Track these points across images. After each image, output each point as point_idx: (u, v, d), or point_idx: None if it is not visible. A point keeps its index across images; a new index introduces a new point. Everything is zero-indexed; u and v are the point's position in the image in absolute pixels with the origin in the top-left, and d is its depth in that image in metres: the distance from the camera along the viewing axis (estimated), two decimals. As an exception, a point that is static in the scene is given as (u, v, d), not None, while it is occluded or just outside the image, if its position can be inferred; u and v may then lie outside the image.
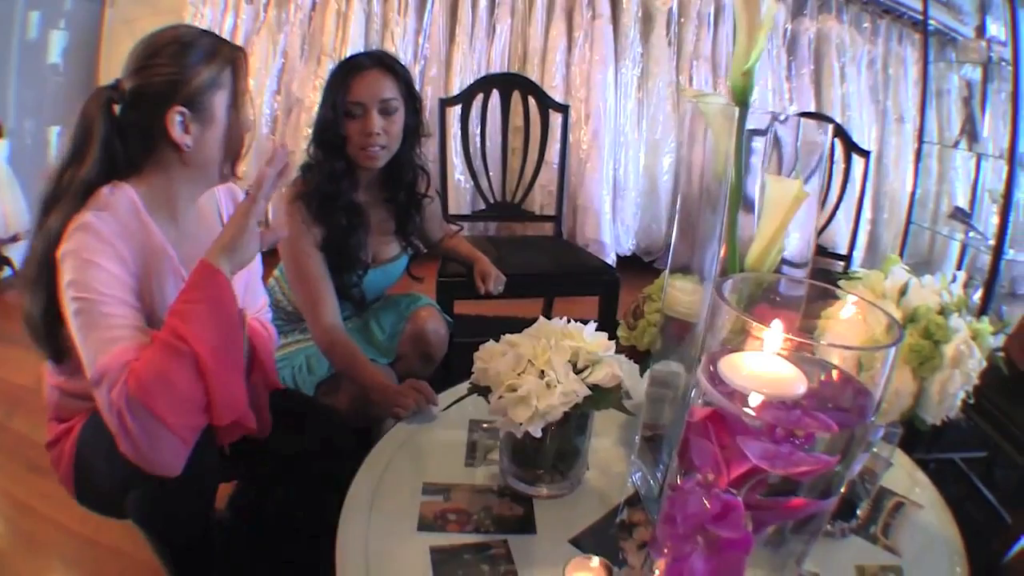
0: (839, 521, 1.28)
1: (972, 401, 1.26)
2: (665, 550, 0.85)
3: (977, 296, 3.20)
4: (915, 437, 1.62)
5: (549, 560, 1.16)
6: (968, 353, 1.14)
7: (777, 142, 1.11)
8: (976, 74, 3.95)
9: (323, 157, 1.98)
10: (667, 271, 1.30)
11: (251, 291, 1.68)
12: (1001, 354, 1.65)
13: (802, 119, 1.11)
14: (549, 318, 1.34)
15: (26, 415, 2.55)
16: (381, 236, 2.16)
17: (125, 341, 1.21)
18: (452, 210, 3.59)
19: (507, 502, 1.32)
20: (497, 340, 1.35)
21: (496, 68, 4.36)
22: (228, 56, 1.39)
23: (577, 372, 1.23)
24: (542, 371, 1.21)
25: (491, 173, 3.24)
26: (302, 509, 1.75)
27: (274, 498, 1.78)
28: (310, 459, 1.63)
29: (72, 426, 1.48)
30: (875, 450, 1.28)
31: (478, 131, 3.24)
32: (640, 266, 4.64)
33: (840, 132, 3.33)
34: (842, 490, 0.86)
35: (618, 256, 4.53)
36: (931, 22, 4.13)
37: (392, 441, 1.52)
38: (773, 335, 0.80)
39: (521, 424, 1.18)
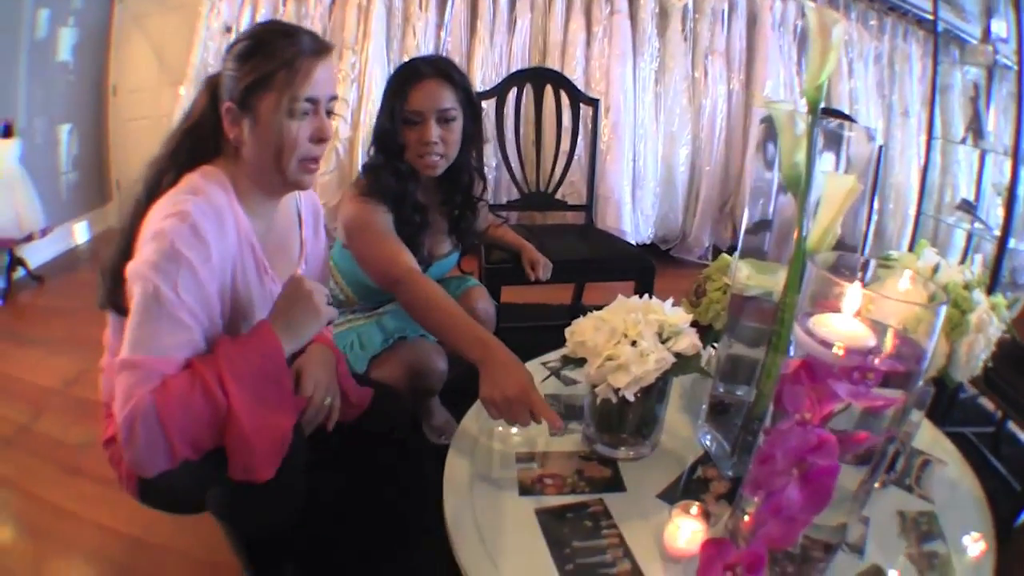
0: (884, 474, 1.45)
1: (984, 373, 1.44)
2: (760, 488, 1.02)
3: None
4: (931, 411, 1.80)
5: (642, 514, 1.33)
6: (988, 321, 1.34)
7: (833, 143, 1.30)
8: (980, 74, 4.12)
9: (385, 160, 1.98)
10: (737, 255, 1.45)
11: (322, 283, 1.66)
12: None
13: (853, 126, 1.29)
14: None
15: (54, 417, 2.52)
16: (436, 235, 2.19)
17: (174, 353, 1.21)
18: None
19: (595, 465, 1.47)
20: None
21: (517, 63, 4.46)
22: (288, 58, 1.30)
23: (662, 342, 1.39)
24: (633, 341, 1.36)
25: (523, 164, 3.38)
26: (361, 490, 1.84)
27: (334, 482, 1.76)
28: (369, 436, 1.66)
29: None
30: (909, 417, 1.46)
31: (511, 124, 3.34)
32: (657, 254, 4.78)
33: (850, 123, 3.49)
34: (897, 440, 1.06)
35: (637, 244, 4.61)
36: (946, 25, 4.28)
37: (474, 419, 1.62)
38: (852, 297, 1.00)
39: (620, 389, 1.34)
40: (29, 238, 3.65)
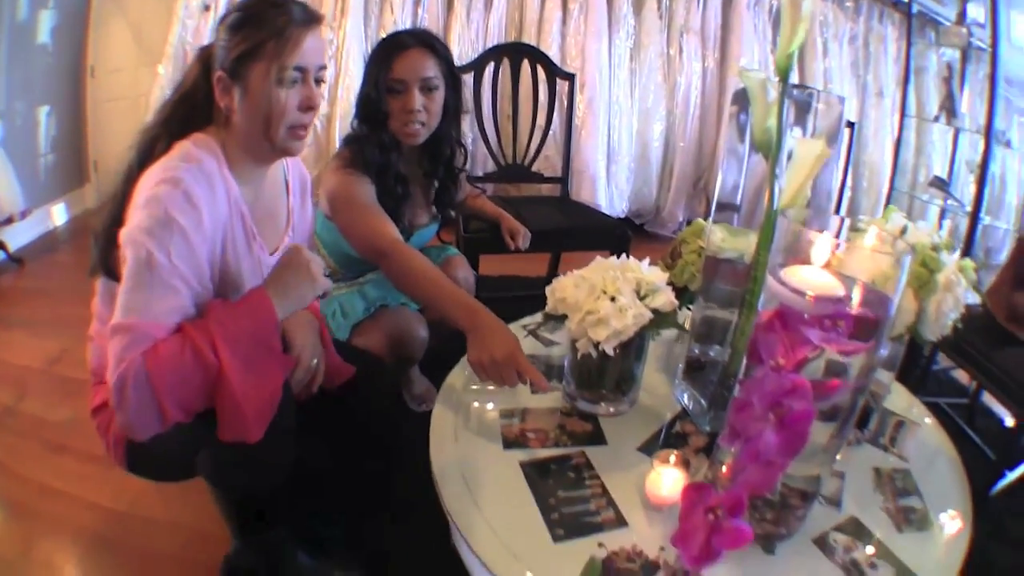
0: (856, 429, 1.51)
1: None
2: (738, 436, 1.06)
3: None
4: (905, 380, 1.86)
5: (623, 465, 1.38)
6: (956, 281, 1.39)
7: (802, 110, 1.35)
8: (955, 55, 4.18)
9: (369, 131, 2.01)
10: (711, 219, 1.50)
11: None
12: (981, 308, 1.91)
13: (821, 92, 1.35)
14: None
15: (37, 396, 2.52)
16: (416, 206, 2.22)
17: (165, 318, 1.21)
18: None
19: (576, 420, 1.52)
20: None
21: (493, 39, 4.47)
22: (278, 28, 1.31)
23: (640, 299, 1.43)
24: (612, 298, 1.40)
25: (500, 137, 3.43)
26: (346, 457, 1.88)
27: (319, 449, 1.75)
28: (352, 402, 1.67)
29: None
30: (878, 376, 1.52)
31: (488, 98, 3.38)
32: (632, 228, 4.76)
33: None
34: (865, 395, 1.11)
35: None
36: (920, 6, 4.35)
37: (459, 376, 1.67)
38: (822, 247, 1.05)
39: (600, 343, 1.38)
40: (9, 220, 3.65)
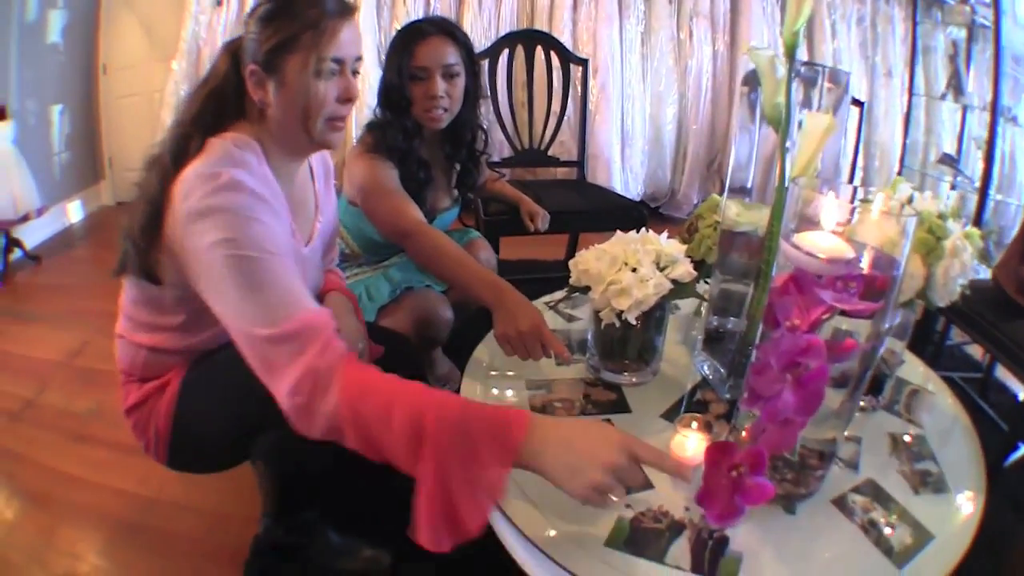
0: (871, 396, 1.56)
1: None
2: (757, 398, 1.10)
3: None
4: (919, 354, 1.90)
5: (647, 432, 1.42)
6: (963, 248, 1.43)
7: (810, 85, 1.40)
8: (961, 34, 4.20)
9: (392, 117, 2.07)
10: (725, 195, 1.55)
11: (332, 243, 1.77)
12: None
13: (827, 68, 1.40)
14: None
15: (59, 388, 2.55)
16: (439, 190, 2.28)
17: (307, 299, 1.18)
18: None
19: (601, 390, 1.57)
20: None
21: (506, 27, 4.52)
22: (313, 20, 1.30)
23: (660, 269, 1.48)
24: (633, 269, 1.45)
25: (516, 123, 3.48)
26: None
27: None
28: None
29: (166, 382, 1.45)
30: (890, 345, 1.57)
31: (503, 85, 3.44)
32: (647, 211, 4.82)
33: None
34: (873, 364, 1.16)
35: (627, 200, 4.73)
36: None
37: (484, 352, 1.71)
38: (831, 212, 1.10)
39: (623, 312, 1.43)
40: (25, 218, 3.70)
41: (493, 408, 1.11)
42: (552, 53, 3.42)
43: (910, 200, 1.51)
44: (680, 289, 1.50)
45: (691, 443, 1.30)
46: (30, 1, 3.95)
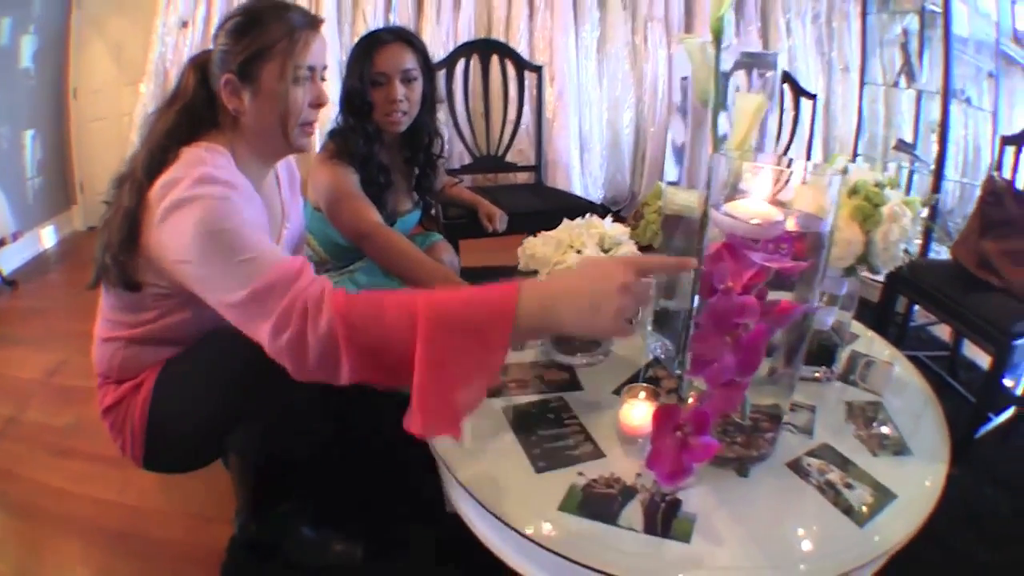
0: (824, 367, 1.61)
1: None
2: (701, 364, 1.14)
3: (923, 215, 3.53)
4: (882, 334, 1.95)
5: (599, 407, 1.47)
6: (901, 213, 1.48)
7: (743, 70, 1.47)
8: (914, 21, 4.27)
9: (354, 123, 2.14)
10: (664, 182, 1.63)
11: (299, 250, 1.82)
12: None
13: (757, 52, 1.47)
14: None
15: (39, 406, 2.57)
16: (398, 193, 2.34)
17: (279, 255, 1.20)
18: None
19: (554, 371, 1.62)
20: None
21: (463, 38, 4.52)
22: (285, 29, 1.37)
23: (604, 251, 1.54)
24: (578, 251, 1.51)
25: (474, 130, 3.53)
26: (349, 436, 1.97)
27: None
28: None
29: (140, 382, 1.47)
30: (838, 317, 1.63)
31: (461, 94, 3.47)
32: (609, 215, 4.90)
33: (788, 78, 3.65)
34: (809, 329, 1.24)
35: (587, 206, 4.76)
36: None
37: None
38: (760, 181, 1.15)
39: None
40: (0, 243, 3.74)
41: (482, 288, 1.15)
42: (507, 61, 3.47)
43: (845, 171, 1.56)
44: None
45: (639, 412, 1.34)
46: (2, 27, 3.97)
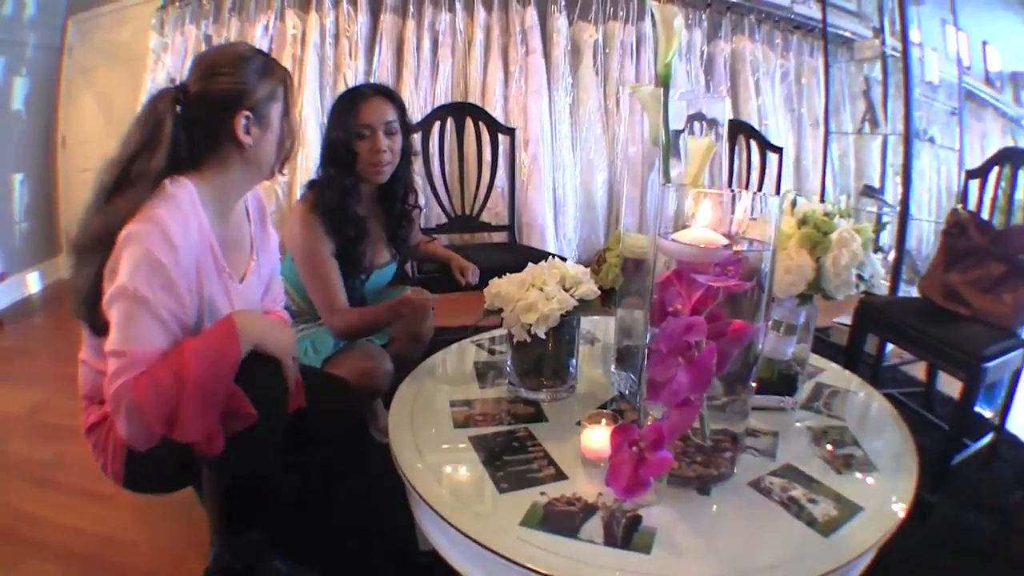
0: (787, 396, 1.67)
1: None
2: (657, 388, 1.19)
3: (891, 257, 3.63)
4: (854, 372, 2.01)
5: (562, 436, 1.52)
6: (851, 238, 1.55)
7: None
8: (877, 71, 4.41)
9: (334, 175, 2.17)
10: (622, 227, 1.72)
11: (273, 284, 1.84)
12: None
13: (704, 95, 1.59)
14: None
15: (22, 440, 2.62)
16: (376, 245, 2.36)
17: (154, 344, 1.36)
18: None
19: (520, 405, 1.68)
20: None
21: (441, 103, 4.58)
22: (281, 75, 1.58)
23: (566, 290, 1.63)
24: (540, 288, 1.60)
25: (449, 191, 3.59)
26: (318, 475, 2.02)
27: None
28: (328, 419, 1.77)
29: None
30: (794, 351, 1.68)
31: (436, 156, 3.53)
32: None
33: (754, 133, 3.74)
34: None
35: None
36: (836, 30, 4.59)
37: (415, 380, 1.83)
38: (705, 210, 1.23)
39: (531, 325, 1.56)
40: (-10, 284, 3.73)
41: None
42: (481, 124, 3.54)
43: (794, 204, 1.64)
44: (585, 305, 1.65)
45: (599, 436, 1.38)
46: (-4, 66, 3.98)
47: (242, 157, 1.54)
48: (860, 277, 1.60)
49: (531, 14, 4.63)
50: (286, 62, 4.46)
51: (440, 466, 1.42)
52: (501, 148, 3.67)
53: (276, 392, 1.50)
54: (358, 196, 2.24)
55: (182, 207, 1.42)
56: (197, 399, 1.32)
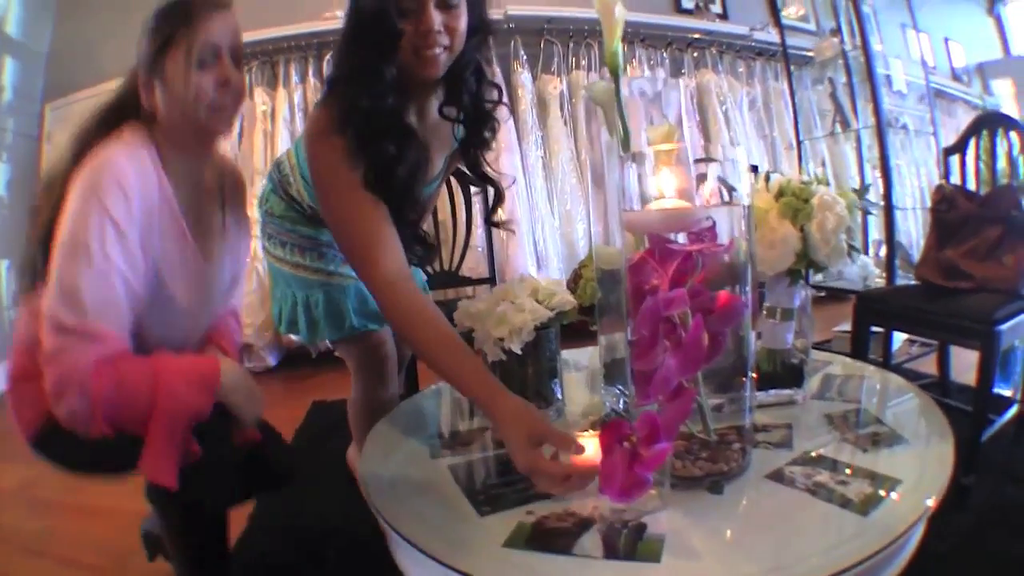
0: (794, 388, 1.54)
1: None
2: (646, 382, 1.07)
3: (883, 252, 3.56)
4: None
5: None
6: (833, 202, 1.45)
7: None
8: (839, 71, 4.39)
9: (364, 62, 1.49)
10: (594, 243, 1.60)
11: (236, 282, 1.70)
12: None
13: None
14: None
15: (15, 512, 2.66)
16: (434, 159, 1.78)
17: (102, 317, 1.24)
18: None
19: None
20: None
21: None
22: (184, 13, 1.33)
23: (539, 303, 1.51)
24: (512, 302, 1.48)
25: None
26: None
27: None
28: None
29: None
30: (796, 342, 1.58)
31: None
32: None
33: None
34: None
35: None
36: (798, 51, 4.56)
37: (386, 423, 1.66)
38: (668, 179, 1.13)
39: (503, 340, 1.44)
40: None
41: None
42: (454, 183, 3.47)
43: (767, 178, 1.55)
44: (561, 315, 1.55)
45: (590, 446, 1.24)
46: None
47: (158, 121, 1.40)
48: (852, 247, 1.49)
49: (495, 72, 4.58)
50: (257, 137, 4.54)
51: (415, 496, 1.27)
52: (478, 207, 3.59)
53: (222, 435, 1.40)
54: (405, 98, 1.59)
55: (137, 151, 1.34)
56: (164, 432, 1.25)
